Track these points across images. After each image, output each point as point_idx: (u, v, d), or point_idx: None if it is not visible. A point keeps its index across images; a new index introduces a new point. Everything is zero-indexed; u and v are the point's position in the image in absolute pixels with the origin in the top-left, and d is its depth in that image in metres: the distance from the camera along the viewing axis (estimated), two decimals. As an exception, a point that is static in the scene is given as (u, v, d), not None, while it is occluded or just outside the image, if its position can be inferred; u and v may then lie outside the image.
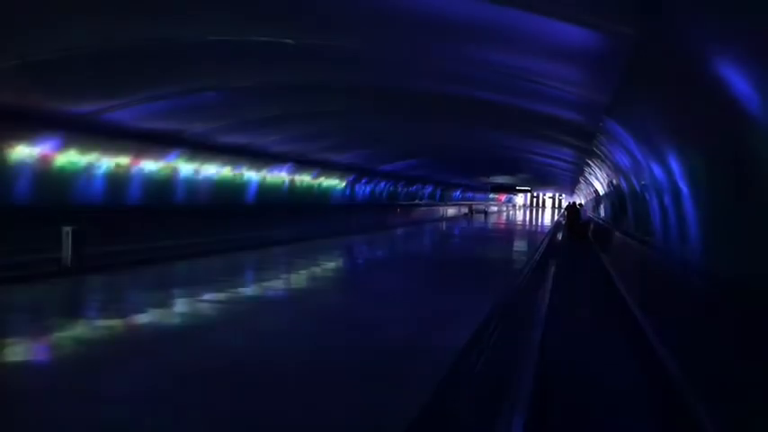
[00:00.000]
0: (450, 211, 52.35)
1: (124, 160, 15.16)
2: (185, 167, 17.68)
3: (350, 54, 9.45)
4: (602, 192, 23.15)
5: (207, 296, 10.70)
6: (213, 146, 17.81)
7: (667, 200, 7.21)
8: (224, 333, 8.21)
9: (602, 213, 25.77)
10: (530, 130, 15.44)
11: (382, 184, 34.73)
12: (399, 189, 38.39)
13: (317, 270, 15.56)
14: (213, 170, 19.14)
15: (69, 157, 13.44)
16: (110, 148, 14.40)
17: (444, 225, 40.70)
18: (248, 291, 12.19)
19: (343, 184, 29.51)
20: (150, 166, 16.16)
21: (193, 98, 12.85)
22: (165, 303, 10.22)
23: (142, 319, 8.92)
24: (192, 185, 18.21)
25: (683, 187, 6.08)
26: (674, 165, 6.18)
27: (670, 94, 5.51)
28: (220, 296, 10.75)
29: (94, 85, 11.23)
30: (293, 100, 14.30)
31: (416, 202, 43.35)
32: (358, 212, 30.75)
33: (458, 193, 56.52)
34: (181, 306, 10.16)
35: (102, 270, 12.41)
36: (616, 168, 12.33)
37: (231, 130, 16.72)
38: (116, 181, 14.94)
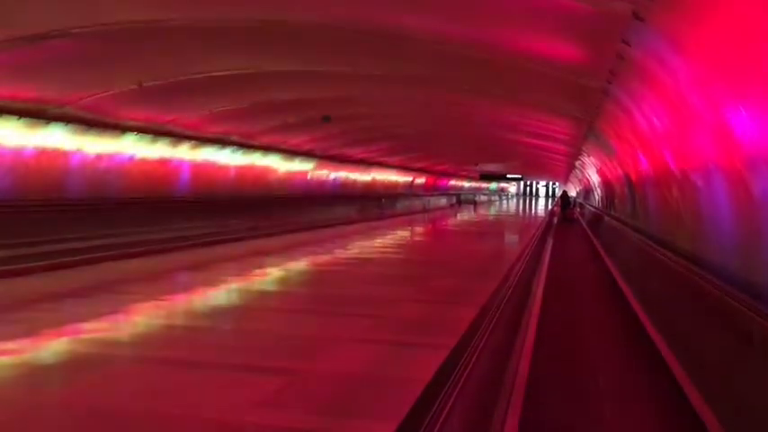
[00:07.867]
0: (435, 202, 48.81)
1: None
2: (76, 150, 13.89)
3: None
4: (600, 179, 19.65)
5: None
6: (115, 122, 14.08)
7: (765, 186, 3.65)
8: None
9: (599, 203, 22.43)
10: (514, 90, 11.73)
11: (356, 172, 31.16)
12: (376, 178, 34.79)
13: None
14: (126, 155, 15.43)
15: None
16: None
17: (427, 216, 37.11)
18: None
19: (306, 171, 25.90)
20: (17, 148, 12.41)
21: (43, 49, 9.15)
22: None
23: None
24: (91, 173, 14.47)
25: None
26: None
27: None
28: None
29: None
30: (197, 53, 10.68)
31: (397, 192, 39.79)
32: (323, 204, 27.19)
33: (444, 181, 53.04)
34: None
35: None
36: (635, 137, 8.69)
37: (135, 99, 12.98)
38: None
